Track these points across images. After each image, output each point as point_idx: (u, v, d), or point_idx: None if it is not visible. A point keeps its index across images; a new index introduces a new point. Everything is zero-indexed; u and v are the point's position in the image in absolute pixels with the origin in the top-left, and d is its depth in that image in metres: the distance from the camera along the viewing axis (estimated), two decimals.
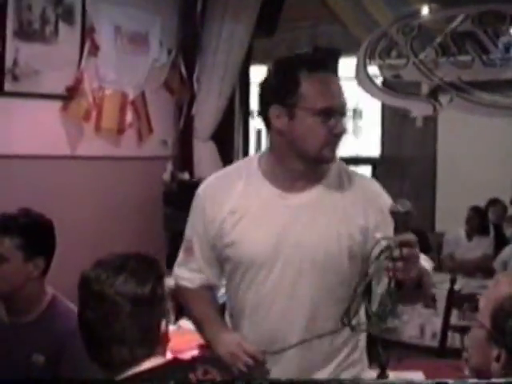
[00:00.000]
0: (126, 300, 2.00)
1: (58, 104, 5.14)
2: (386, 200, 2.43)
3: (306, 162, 2.42)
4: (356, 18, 6.44)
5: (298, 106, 2.36)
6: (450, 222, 8.27)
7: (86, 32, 5.22)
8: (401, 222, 2.15)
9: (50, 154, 5.11)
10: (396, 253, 2.10)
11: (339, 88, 2.42)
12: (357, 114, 11.51)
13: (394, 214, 2.16)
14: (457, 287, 5.55)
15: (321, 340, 2.39)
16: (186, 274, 2.53)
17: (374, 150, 10.35)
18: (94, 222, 5.34)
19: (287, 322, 2.42)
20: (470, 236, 7.71)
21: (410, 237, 2.14)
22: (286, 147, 2.42)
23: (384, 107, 9.37)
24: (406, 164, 9.77)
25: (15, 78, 4.89)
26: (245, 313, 2.49)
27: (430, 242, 7.81)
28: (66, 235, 4.98)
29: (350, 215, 2.42)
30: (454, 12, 5.48)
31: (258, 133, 11.09)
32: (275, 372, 2.41)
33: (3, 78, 4.83)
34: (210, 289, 2.61)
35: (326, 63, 2.47)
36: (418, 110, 5.27)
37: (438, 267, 7.29)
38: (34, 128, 5.03)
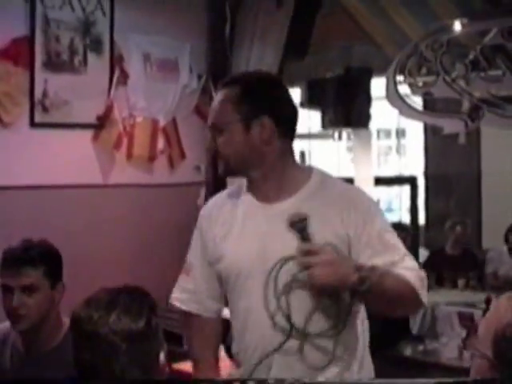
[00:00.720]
0: (121, 338, 1.96)
1: (88, 133, 5.16)
2: (368, 204, 2.52)
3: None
4: (389, 36, 6.38)
5: None
6: (497, 238, 8.10)
7: (115, 61, 5.24)
8: (301, 231, 2.25)
9: (82, 183, 5.13)
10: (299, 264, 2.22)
11: (217, 103, 2.51)
12: (399, 133, 11.42)
13: (292, 225, 2.27)
14: None
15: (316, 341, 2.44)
16: (176, 294, 2.59)
17: (417, 168, 10.23)
18: (128, 249, 5.34)
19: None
20: None
21: (307, 246, 2.23)
22: None
23: (427, 125, 9.25)
24: (450, 181, 9.63)
25: (45, 109, 4.93)
26: (240, 321, 2.54)
27: (477, 261, 7.67)
28: (99, 263, 5.08)
29: (328, 222, 2.45)
30: (486, 26, 5.40)
31: (302, 154, 11.00)
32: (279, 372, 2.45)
33: (33, 109, 4.88)
34: (208, 322, 2.66)
35: (230, 79, 2.61)
36: (450, 127, 5.17)
37: (482, 285, 7.16)
38: (66, 158, 5.06)
